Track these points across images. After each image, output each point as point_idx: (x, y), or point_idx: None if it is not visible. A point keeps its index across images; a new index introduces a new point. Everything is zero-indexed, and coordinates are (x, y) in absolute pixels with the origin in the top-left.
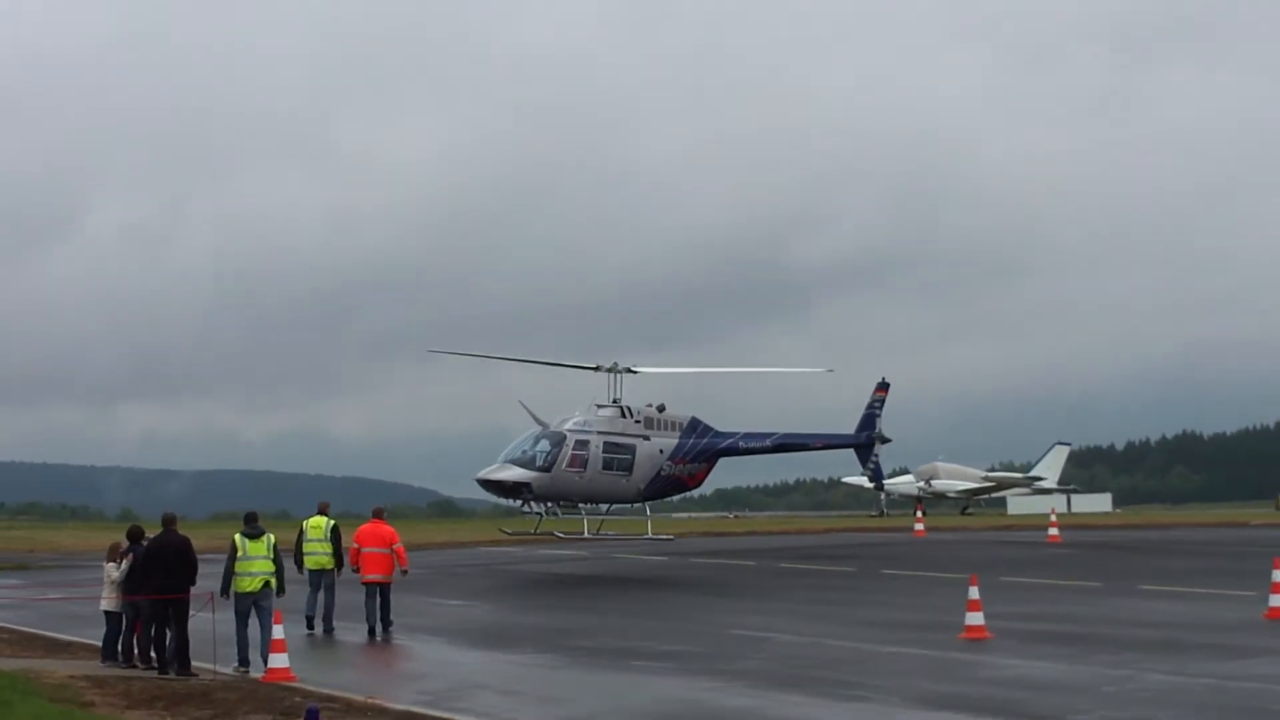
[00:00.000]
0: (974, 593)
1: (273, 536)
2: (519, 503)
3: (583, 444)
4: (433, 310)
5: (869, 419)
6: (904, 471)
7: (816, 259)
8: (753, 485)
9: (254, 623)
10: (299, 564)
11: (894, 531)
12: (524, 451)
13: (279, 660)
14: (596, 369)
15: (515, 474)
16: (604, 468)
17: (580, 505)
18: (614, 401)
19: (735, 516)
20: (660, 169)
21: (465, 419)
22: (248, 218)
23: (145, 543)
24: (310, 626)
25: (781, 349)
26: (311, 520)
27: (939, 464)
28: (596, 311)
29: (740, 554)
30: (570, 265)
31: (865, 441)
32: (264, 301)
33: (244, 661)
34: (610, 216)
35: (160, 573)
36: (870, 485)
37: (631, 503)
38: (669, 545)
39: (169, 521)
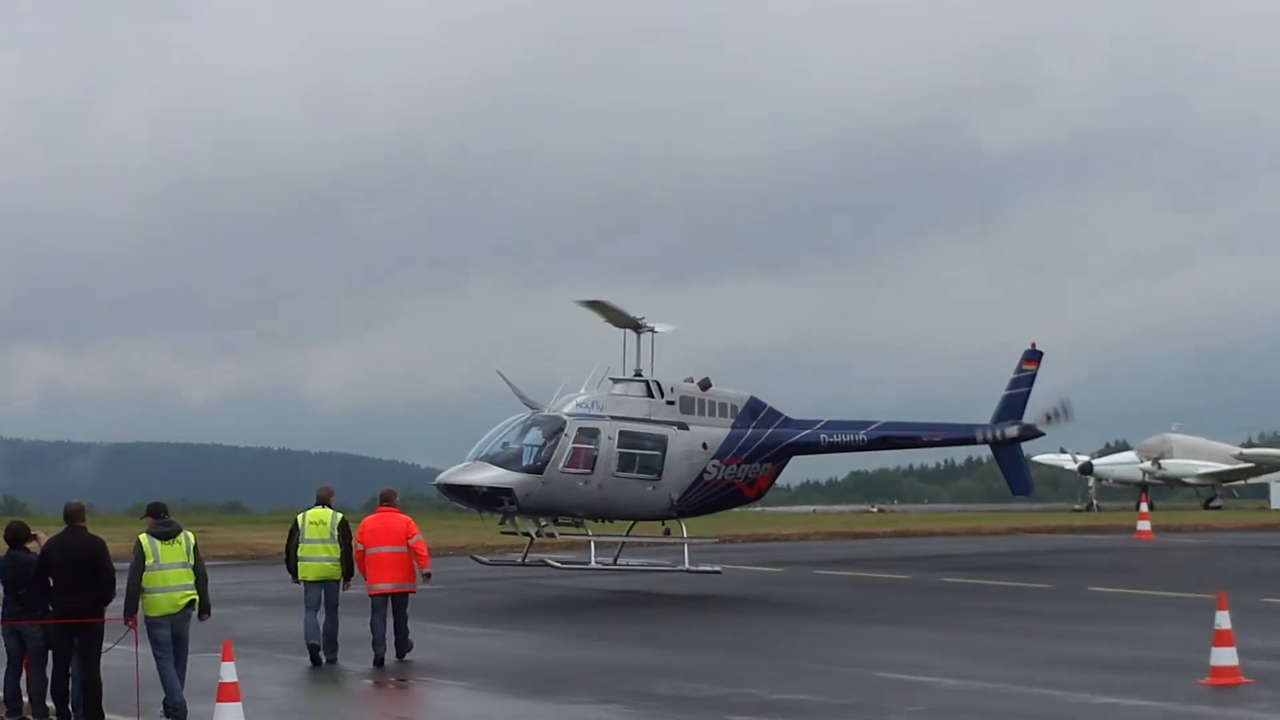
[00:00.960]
0: (1222, 619)
1: (191, 536)
2: (499, 518)
3: (589, 434)
4: (454, 218)
5: (1013, 402)
6: (1123, 447)
7: (1007, 144)
8: (903, 467)
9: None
10: (292, 571)
11: (1108, 532)
12: (505, 444)
13: (230, 713)
14: (638, 326)
15: (491, 476)
16: (620, 468)
17: (585, 522)
18: (637, 374)
19: (879, 511)
20: (782, 17)
21: (496, 374)
22: (196, 85)
23: (34, 546)
24: (316, 659)
25: (953, 271)
26: (311, 513)
27: (1172, 436)
28: (687, 218)
29: (886, 563)
30: (651, 153)
31: (1004, 435)
32: (215, 203)
33: (174, 711)
34: (709, 83)
35: (61, 589)
36: (1074, 467)
37: (661, 519)
38: (785, 549)
39: (74, 516)
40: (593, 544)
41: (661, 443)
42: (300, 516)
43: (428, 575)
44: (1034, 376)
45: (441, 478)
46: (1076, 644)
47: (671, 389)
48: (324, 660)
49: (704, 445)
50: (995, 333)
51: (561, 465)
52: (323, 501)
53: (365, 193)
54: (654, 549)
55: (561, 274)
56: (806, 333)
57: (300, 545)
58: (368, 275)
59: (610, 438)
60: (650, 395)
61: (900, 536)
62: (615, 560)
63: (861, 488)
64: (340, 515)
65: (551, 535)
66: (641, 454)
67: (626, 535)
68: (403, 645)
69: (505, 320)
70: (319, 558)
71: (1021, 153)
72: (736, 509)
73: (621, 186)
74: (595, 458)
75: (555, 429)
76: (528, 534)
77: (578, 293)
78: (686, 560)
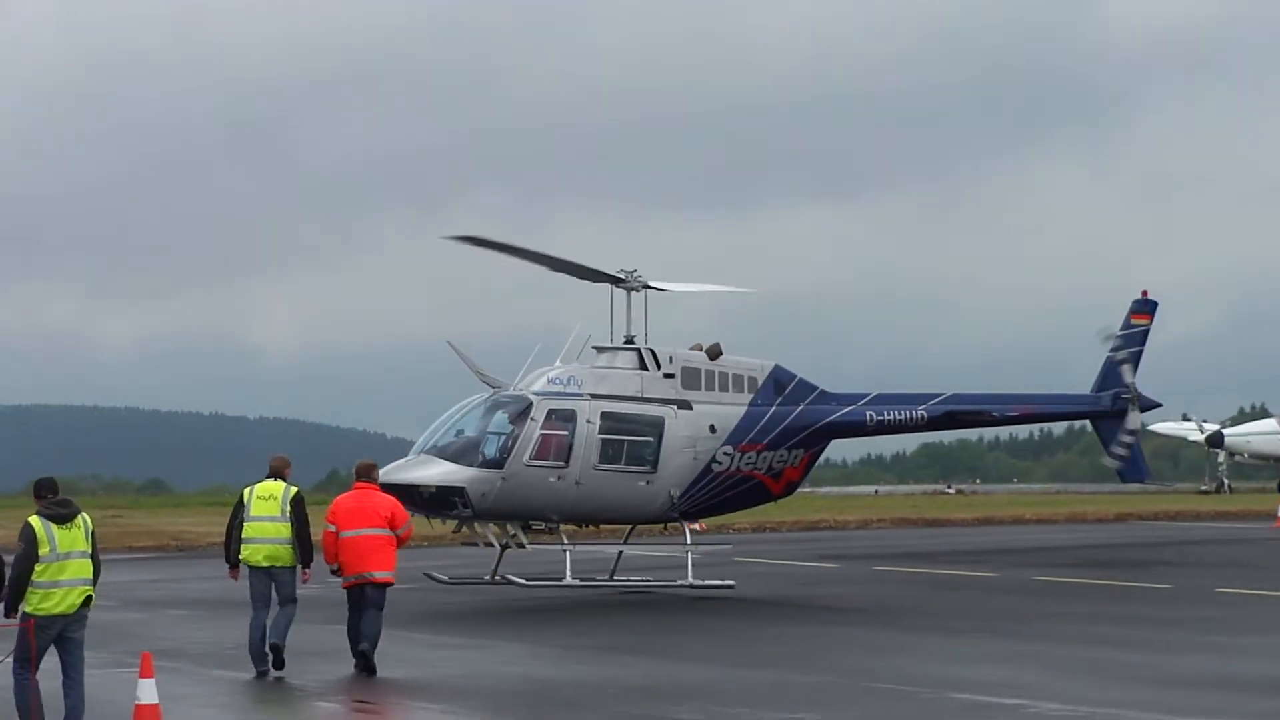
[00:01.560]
0: None
1: (89, 520)
2: (453, 524)
3: (564, 417)
4: (437, 127)
5: (1118, 368)
6: (1262, 413)
7: (1131, 35)
8: (988, 438)
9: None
10: (232, 558)
11: (1242, 519)
12: (459, 433)
13: None
14: (619, 281)
15: (439, 473)
16: (604, 459)
17: (560, 529)
18: (626, 341)
19: (957, 492)
20: None
21: (488, 317)
22: None
23: None
24: (262, 665)
25: (1061, 191)
26: (260, 486)
27: None
28: (728, 126)
29: (966, 558)
30: (684, 44)
31: (1110, 408)
32: (136, 109)
33: None
34: None
35: None
36: (1200, 438)
37: (661, 523)
38: (840, 540)
39: None
40: (568, 556)
41: (657, 426)
42: (247, 490)
43: None
44: (1146, 333)
45: (379, 475)
46: (1203, 659)
47: (670, 358)
48: (270, 670)
49: (712, 428)
50: (1106, 272)
51: (528, 457)
52: (276, 474)
53: (327, 96)
54: (657, 561)
55: (570, 196)
56: (875, 272)
57: (245, 523)
58: (328, 197)
59: (590, 421)
60: (643, 367)
61: (983, 524)
62: (612, 575)
63: (936, 463)
64: (295, 489)
65: (521, 545)
66: (631, 441)
67: (625, 543)
68: (370, 645)
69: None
70: (267, 538)
71: (1147, 43)
72: (760, 506)
73: (645, 87)
74: (571, 447)
75: (520, 412)
76: (490, 544)
77: (588, 219)
78: (689, 573)
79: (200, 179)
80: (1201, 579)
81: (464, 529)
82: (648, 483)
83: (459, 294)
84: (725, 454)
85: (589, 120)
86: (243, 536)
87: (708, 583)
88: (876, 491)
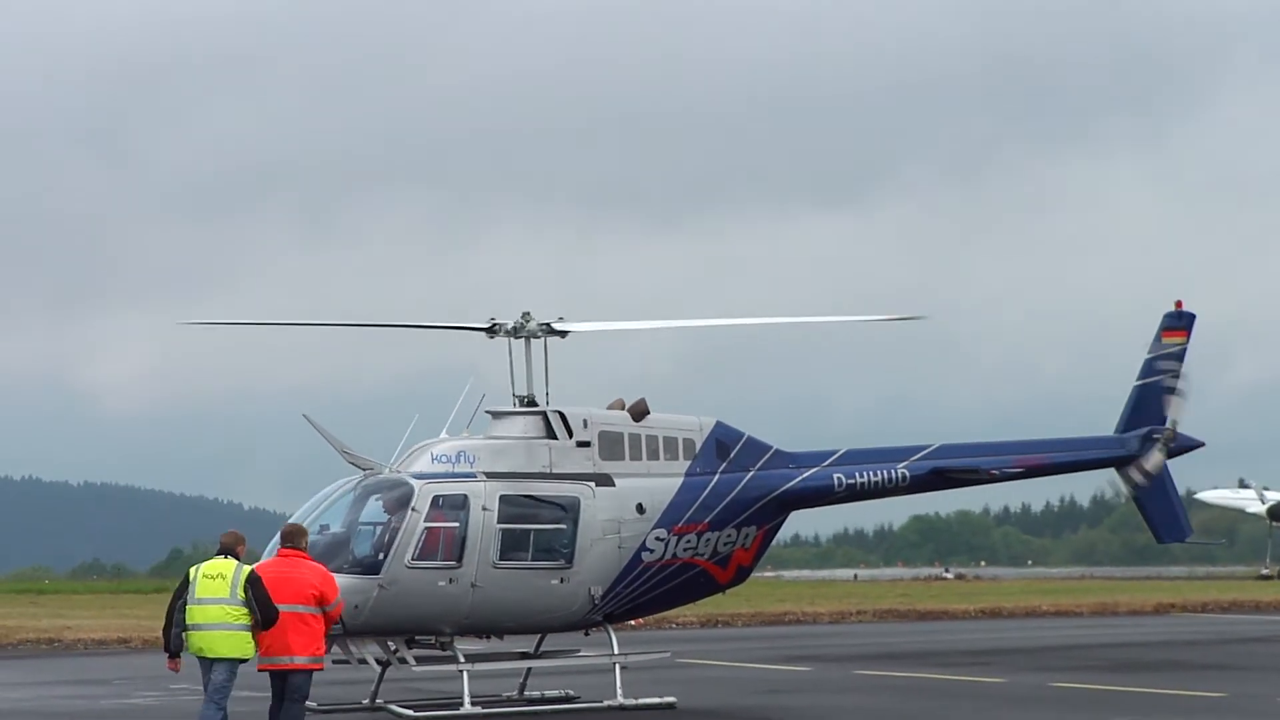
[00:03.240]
0: None
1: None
2: None
3: (453, 504)
4: (335, 118)
5: (1149, 398)
6: None
7: (1201, 5)
8: (995, 509)
9: None
10: (171, 646)
11: None
12: (322, 529)
13: None
14: (491, 330)
15: None
16: (505, 555)
17: (454, 643)
18: (524, 402)
19: (957, 577)
20: None
21: (400, 359)
22: None
23: None
24: None
25: (1110, 199)
26: (208, 564)
27: None
28: (698, 123)
29: (968, 658)
30: (645, 19)
31: (1138, 452)
32: None
33: None
34: None
35: None
36: (1261, 509)
37: (580, 628)
38: (811, 637)
39: None
40: (465, 677)
41: (571, 509)
42: (193, 569)
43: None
44: (1183, 353)
45: None
46: None
47: (585, 422)
48: None
49: (640, 508)
50: (1159, 297)
51: (410, 557)
52: (227, 550)
53: (193, 83)
54: (579, 669)
55: (501, 205)
56: (878, 299)
57: (188, 607)
58: (196, 203)
59: (487, 508)
60: (550, 435)
61: (990, 617)
62: (521, 691)
63: (930, 541)
64: (249, 569)
65: (405, 661)
66: (538, 529)
67: (535, 654)
68: None
69: (409, 273)
70: (212, 624)
71: (1216, 22)
72: (705, 599)
73: (594, 72)
74: (464, 541)
75: (398, 500)
76: (364, 661)
77: (522, 230)
78: (619, 689)
79: (32, 181)
80: (1261, 685)
81: (334, 645)
82: (562, 580)
83: (358, 331)
84: (657, 539)
85: (522, 114)
86: (186, 622)
87: (640, 701)
88: (856, 576)
